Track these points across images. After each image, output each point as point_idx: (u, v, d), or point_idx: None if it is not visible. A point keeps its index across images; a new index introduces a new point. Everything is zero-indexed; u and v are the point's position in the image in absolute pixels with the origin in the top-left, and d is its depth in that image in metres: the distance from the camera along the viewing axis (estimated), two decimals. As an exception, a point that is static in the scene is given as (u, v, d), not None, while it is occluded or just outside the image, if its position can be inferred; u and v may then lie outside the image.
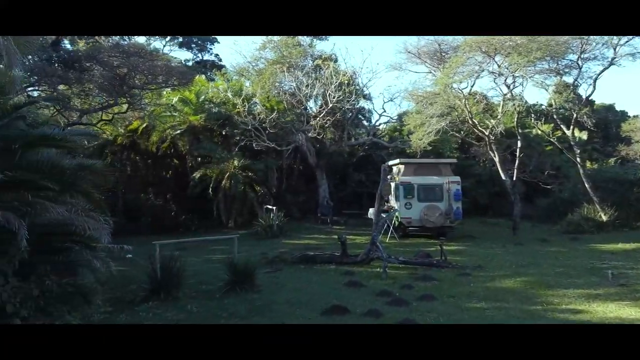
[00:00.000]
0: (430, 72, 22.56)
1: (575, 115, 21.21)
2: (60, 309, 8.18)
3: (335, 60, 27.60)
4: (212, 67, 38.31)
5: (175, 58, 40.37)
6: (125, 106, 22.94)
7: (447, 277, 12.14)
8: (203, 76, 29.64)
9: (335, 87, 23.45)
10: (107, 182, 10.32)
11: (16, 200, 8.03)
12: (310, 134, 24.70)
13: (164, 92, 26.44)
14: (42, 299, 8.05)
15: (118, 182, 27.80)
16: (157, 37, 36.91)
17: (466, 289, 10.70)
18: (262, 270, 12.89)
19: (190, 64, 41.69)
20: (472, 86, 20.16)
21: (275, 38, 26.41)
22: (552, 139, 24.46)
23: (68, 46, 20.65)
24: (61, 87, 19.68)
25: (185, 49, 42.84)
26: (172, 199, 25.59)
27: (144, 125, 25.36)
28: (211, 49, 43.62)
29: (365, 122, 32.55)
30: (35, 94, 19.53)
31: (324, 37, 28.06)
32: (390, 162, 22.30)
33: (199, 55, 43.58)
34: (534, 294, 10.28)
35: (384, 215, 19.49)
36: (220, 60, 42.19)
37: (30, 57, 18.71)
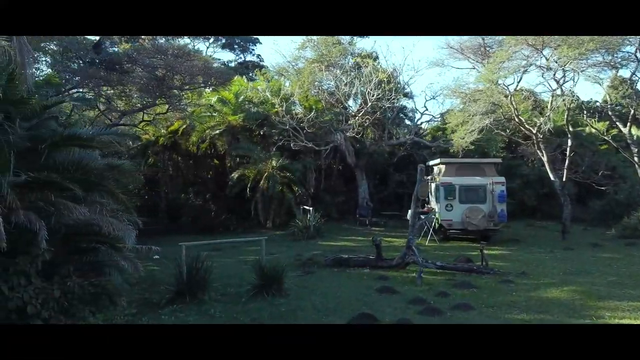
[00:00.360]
0: (474, 68, 21.58)
1: (633, 112, 19.73)
2: (82, 310, 8.12)
3: (376, 58, 27.05)
4: (254, 68, 38.51)
5: (218, 59, 40.94)
6: (165, 107, 23.20)
7: (488, 284, 11.40)
8: (244, 77, 29.67)
9: (374, 85, 22.86)
10: (135, 182, 10.20)
11: (41, 201, 8.02)
12: (348, 134, 24.21)
13: (205, 93, 26.68)
14: (66, 300, 8.01)
15: (160, 182, 28.50)
16: (199, 38, 37.46)
17: (507, 298, 9.96)
18: (293, 273, 12.59)
19: (232, 64, 42.14)
20: (518, 82, 19.10)
21: (315, 37, 26.13)
22: (607, 137, 22.89)
23: (110, 48, 21.03)
24: (103, 88, 20.09)
25: (228, 50, 43.28)
26: (211, 199, 25.71)
27: (185, 125, 25.67)
28: (253, 49, 43.89)
29: (407, 121, 31.84)
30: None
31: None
32: (431, 162, 21.53)
33: (241, 56, 43.91)
34: (582, 305, 9.41)
35: (423, 217, 18.80)
36: (262, 60, 42.39)
37: (77, 61, 19.28)
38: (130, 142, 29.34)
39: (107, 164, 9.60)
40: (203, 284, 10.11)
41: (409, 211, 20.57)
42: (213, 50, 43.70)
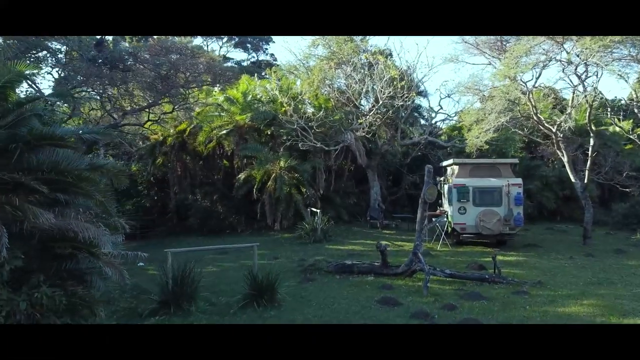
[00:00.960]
0: (490, 64, 20.50)
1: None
2: (54, 323, 7.52)
3: (389, 55, 26.18)
4: (267, 67, 37.98)
5: (232, 58, 40.50)
6: (171, 106, 22.68)
7: (499, 295, 10.51)
8: (255, 76, 29.05)
9: (386, 82, 21.98)
10: (122, 183, 9.59)
11: (7, 204, 7.43)
12: (359, 133, 23.37)
13: (213, 92, 26.17)
14: (36, 312, 7.43)
15: (170, 183, 28.08)
16: (212, 37, 37.05)
17: (519, 313, 9.06)
18: (291, 281, 11.89)
19: (245, 64, 41.70)
20: (537, 78, 17.98)
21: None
22: (632, 137, 21.63)
23: (115, 45, 20.54)
24: (106, 87, 19.63)
25: (240, 49, 42.81)
26: (219, 200, 25.13)
27: (192, 125, 25.17)
28: (267, 48, 43.34)
29: (422, 121, 30.88)
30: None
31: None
32: (444, 163, 20.62)
33: (254, 55, 43.42)
34: (604, 323, 8.47)
35: (434, 220, 17.93)
36: (276, 59, 41.87)
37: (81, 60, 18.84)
38: (141, 142, 29.11)
39: (89, 164, 9.00)
40: (190, 294, 9.45)
41: (422, 213, 19.78)
42: (226, 50, 43.41)
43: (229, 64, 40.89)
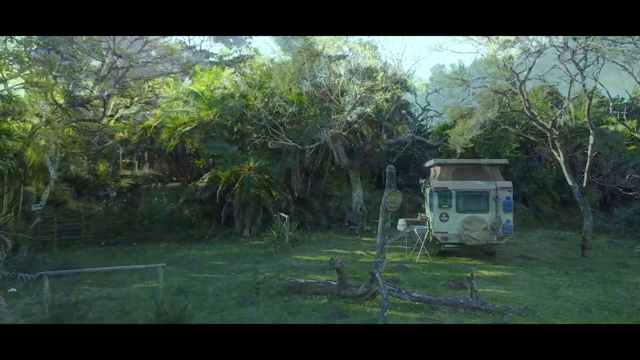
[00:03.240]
0: (478, 52, 18.40)
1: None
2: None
3: (374, 48, 24.15)
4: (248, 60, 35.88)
5: (214, 53, 38.45)
6: (127, 100, 20.56)
7: (475, 328, 8.43)
8: (225, 68, 27.00)
9: (363, 73, 19.93)
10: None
11: None
12: (333, 130, 21.26)
13: (180, 86, 24.19)
14: None
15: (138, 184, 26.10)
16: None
17: (495, 358, 6.99)
18: (228, 304, 9.85)
19: (229, 58, 39.64)
20: (530, 69, 15.84)
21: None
22: (637, 135, 19.53)
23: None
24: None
25: (222, 43, 40.75)
26: (186, 203, 23.06)
27: (157, 122, 23.17)
28: (250, 42, 41.20)
29: (409, 117, 28.83)
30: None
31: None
32: (427, 163, 18.55)
33: (237, 50, 41.29)
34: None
35: (411, 226, 15.88)
36: (260, 54, 39.75)
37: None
38: (110, 140, 27.08)
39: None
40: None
41: (400, 220, 17.71)
42: (209, 44, 41.43)
43: (212, 59, 38.87)
